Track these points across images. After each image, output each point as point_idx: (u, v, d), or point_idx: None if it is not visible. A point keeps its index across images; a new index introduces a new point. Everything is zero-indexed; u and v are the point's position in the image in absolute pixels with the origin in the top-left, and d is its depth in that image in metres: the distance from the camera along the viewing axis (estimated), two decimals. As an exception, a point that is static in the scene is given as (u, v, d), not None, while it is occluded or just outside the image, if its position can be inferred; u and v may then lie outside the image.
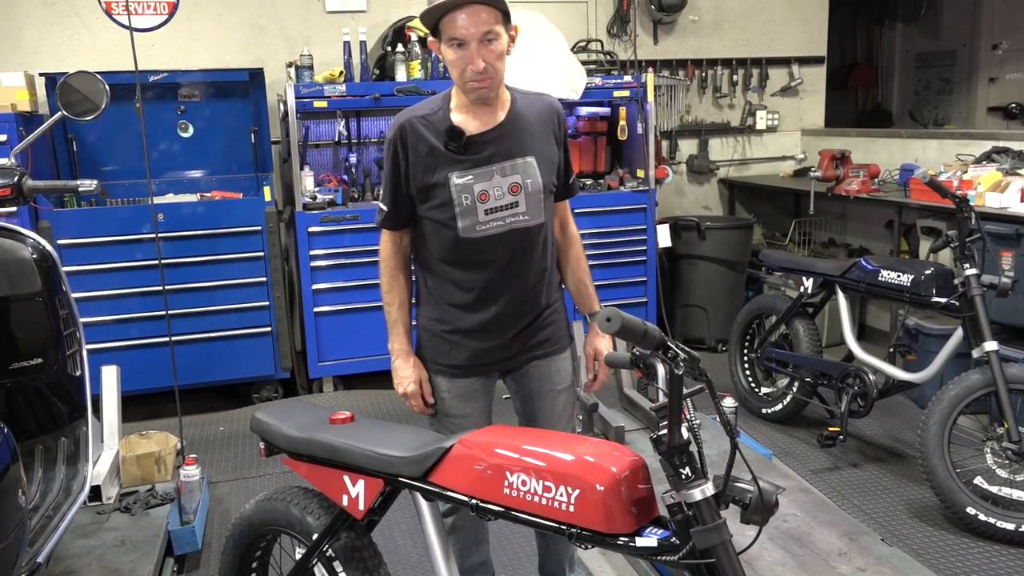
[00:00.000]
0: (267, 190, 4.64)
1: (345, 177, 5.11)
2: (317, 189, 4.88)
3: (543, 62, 5.06)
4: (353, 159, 5.14)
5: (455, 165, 2.14)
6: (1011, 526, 3.08)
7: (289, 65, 4.91)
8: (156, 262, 4.01)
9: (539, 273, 2.27)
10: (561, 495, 1.60)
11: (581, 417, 3.93)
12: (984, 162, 4.56)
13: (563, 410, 2.38)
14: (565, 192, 2.36)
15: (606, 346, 2.33)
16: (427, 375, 2.31)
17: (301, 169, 4.81)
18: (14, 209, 3.29)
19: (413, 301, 2.36)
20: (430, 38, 2.11)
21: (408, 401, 2.32)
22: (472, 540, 2.45)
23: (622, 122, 5.38)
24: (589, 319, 2.35)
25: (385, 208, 2.25)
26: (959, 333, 3.48)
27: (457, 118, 2.16)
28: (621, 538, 1.58)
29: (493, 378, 2.37)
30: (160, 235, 4.09)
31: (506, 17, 2.06)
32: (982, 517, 3.12)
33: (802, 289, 4.17)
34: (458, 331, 2.26)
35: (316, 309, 4.78)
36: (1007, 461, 3.21)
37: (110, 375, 3.57)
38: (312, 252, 4.72)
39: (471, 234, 2.17)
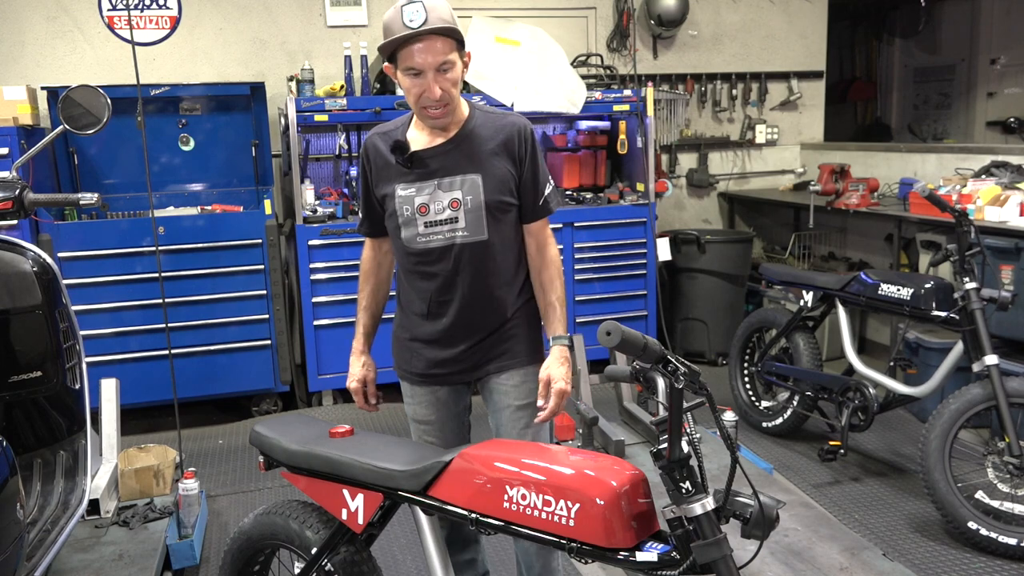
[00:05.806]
0: (267, 203, 4.65)
1: (345, 190, 5.12)
2: (317, 202, 4.90)
3: (543, 76, 5.08)
4: (354, 172, 5.14)
5: (402, 178, 2.25)
6: (1013, 541, 3.07)
7: (290, 79, 4.94)
8: (156, 275, 4.02)
9: (492, 288, 2.27)
10: (561, 509, 1.60)
11: (581, 431, 3.93)
12: (983, 176, 4.57)
13: (525, 427, 2.32)
14: (533, 213, 2.30)
15: (560, 375, 2.22)
16: (373, 376, 2.44)
17: (302, 182, 4.82)
18: (15, 222, 3.30)
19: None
20: (385, 64, 2.17)
21: (353, 396, 2.44)
22: (460, 537, 2.45)
23: (622, 136, 5.40)
24: (551, 342, 2.30)
25: (360, 215, 2.42)
26: (959, 347, 3.47)
27: (412, 134, 2.26)
28: (621, 553, 1.57)
29: (460, 388, 2.39)
30: (160, 248, 4.10)
31: (460, 44, 2.14)
32: (984, 532, 3.10)
33: (802, 303, 4.17)
34: (416, 339, 2.35)
35: (316, 322, 4.78)
36: (1008, 475, 3.20)
37: (109, 388, 3.57)
38: (312, 265, 4.73)
39: (413, 245, 2.26)
